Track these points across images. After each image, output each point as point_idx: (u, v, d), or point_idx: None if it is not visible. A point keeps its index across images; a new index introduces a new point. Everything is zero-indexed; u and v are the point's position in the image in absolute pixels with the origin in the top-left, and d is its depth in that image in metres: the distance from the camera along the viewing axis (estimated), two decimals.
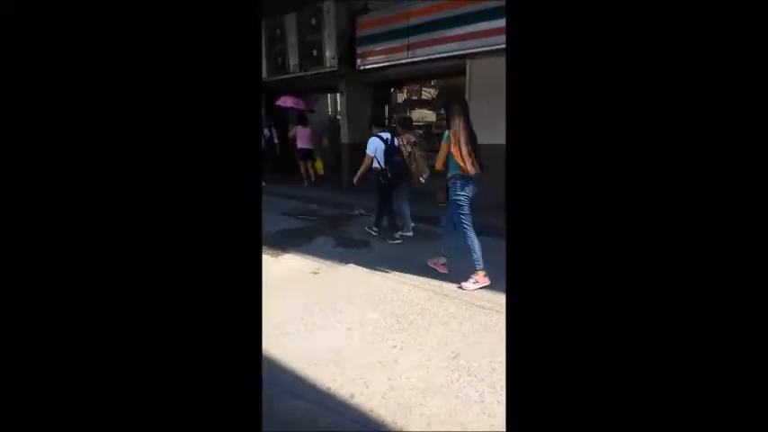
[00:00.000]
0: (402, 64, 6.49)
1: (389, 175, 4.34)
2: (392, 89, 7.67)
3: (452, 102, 3.14)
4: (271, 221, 5.33)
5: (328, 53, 7.13)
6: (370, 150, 4.44)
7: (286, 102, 8.27)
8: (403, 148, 4.34)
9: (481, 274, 3.18)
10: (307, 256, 4.02)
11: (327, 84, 7.89)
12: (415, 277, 3.50)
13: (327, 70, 7.22)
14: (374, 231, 4.71)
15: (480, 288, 3.15)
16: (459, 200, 3.14)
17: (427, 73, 6.67)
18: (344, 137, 7.85)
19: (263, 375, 2.01)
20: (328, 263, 3.85)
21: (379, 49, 6.71)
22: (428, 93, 7.45)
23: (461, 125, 3.05)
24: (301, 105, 8.41)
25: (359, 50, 6.95)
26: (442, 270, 3.48)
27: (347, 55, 7.10)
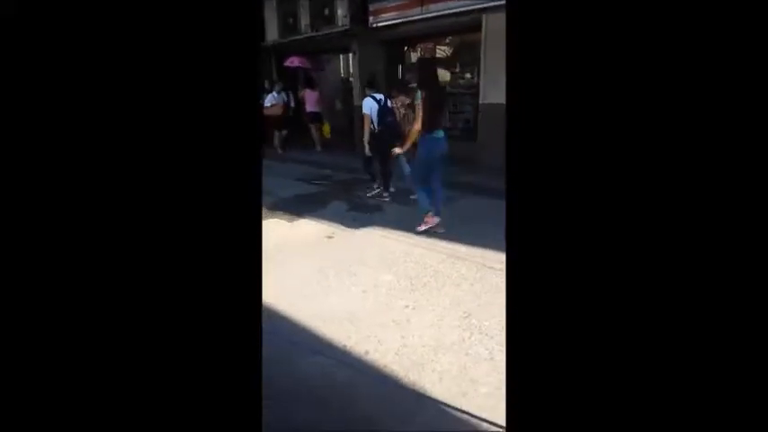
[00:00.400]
0: (415, 20, 6.26)
1: (384, 137, 4.43)
2: (405, 47, 7.45)
3: (424, 64, 3.45)
4: (285, 186, 5.38)
5: (340, 11, 6.93)
6: (365, 110, 4.55)
7: (293, 62, 8.12)
8: (397, 110, 4.47)
9: (429, 216, 3.50)
10: (321, 221, 4.08)
11: (340, 44, 7.70)
12: (428, 240, 3.55)
13: (339, 29, 7.05)
14: (386, 196, 4.74)
15: (430, 229, 3.53)
16: (419, 156, 3.43)
17: (442, 30, 6.44)
18: (357, 99, 7.74)
19: (284, 335, 2.18)
20: (342, 227, 3.90)
21: (392, 5, 6.47)
22: (443, 51, 7.21)
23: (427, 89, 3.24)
24: (308, 65, 8.26)
25: (371, 8, 6.72)
26: (431, 223, 3.54)
27: (360, 13, 6.87)
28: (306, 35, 7.70)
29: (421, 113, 3.21)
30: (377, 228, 3.84)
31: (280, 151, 7.74)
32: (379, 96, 4.61)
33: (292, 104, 8.53)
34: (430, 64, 3.53)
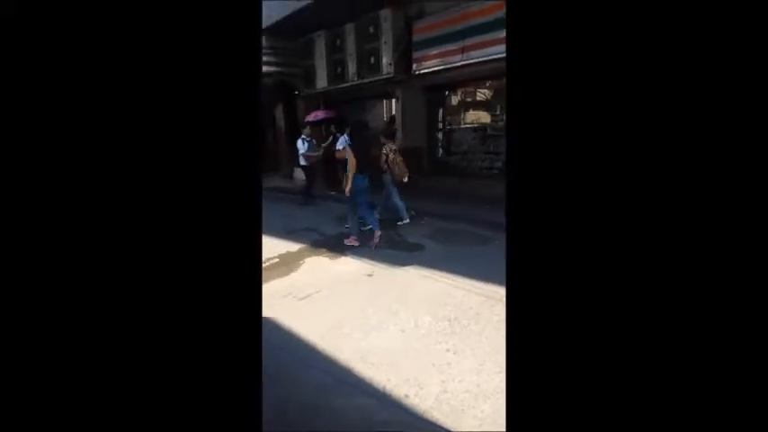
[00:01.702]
0: (457, 66, 6.43)
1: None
2: (446, 92, 7.63)
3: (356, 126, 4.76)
4: (329, 225, 5.48)
5: (385, 60, 7.24)
6: (340, 145, 5.26)
7: (317, 116, 8.37)
8: (384, 156, 5.09)
9: (352, 238, 4.54)
10: (362, 259, 4.09)
11: (384, 90, 8.01)
12: (469, 281, 3.46)
13: (384, 77, 7.33)
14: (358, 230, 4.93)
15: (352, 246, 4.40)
16: (355, 190, 4.36)
17: (482, 74, 6.57)
18: (399, 141, 7.92)
19: (321, 374, 2.16)
20: (382, 265, 3.88)
21: (435, 52, 6.70)
22: (483, 94, 7.33)
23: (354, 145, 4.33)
24: (332, 114, 8.51)
25: (415, 55, 6.98)
26: (378, 237, 4.47)
27: (403, 60, 7.16)
28: (352, 83, 8.08)
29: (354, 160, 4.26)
30: (417, 266, 3.79)
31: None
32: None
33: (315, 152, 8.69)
34: (360, 125, 4.92)
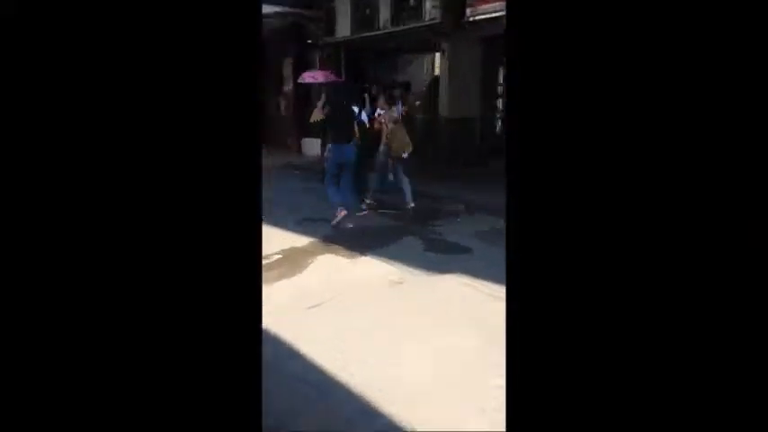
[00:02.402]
0: None
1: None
2: None
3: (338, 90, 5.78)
4: (347, 217, 5.43)
5: (429, 3, 7.08)
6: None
7: (316, 77, 8.37)
8: (383, 126, 5.75)
9: (341, 211, 5.07)
10: (390, 261, 4.10)
11: (425, 42, 7.85)
12: None
13: (427, 24, 7.18)
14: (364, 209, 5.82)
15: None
16: (330, 161, 5.28)
17: None
18: (444, 109, 7.76)
19: (332, 408, 2.13)
20: (416, 271, 3.89)
21: None
22: None
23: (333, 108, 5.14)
24: (332, 78, 8.50)
25: None
26: (342, 215, 5.00)
27: (453, 4, 6.99)
28: (384, 31, 7.94)
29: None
30: (459, 274, 3.77)
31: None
32: (356, 107, 5.78)
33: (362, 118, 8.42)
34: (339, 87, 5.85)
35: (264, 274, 3.55)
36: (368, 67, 9.28)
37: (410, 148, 5.74)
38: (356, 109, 5.80)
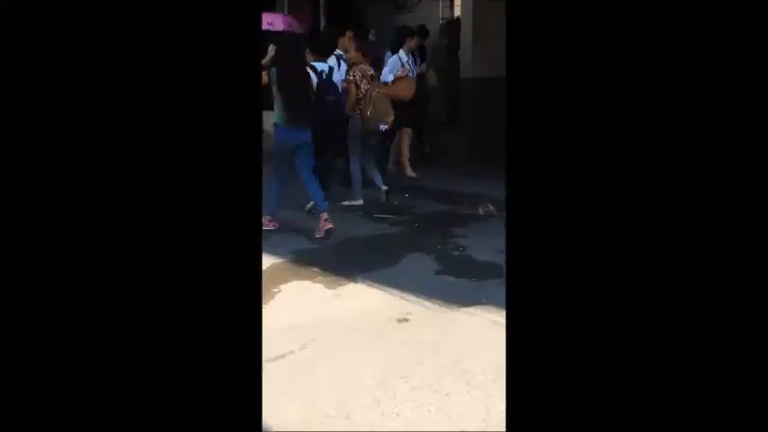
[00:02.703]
0: None
1: (322, 121, 5.03)
2: None
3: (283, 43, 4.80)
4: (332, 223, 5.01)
5: None
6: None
7: (273, 23, 7.69)
8: (352, 86, 5.19)
9: (267, 219, 4.62)
10: (389, 290, 3.63)
11: None
12: None
13: None
14: (312, 210, 5.13)
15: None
16: (276, 144, 4.62)
17: None
18: (466, 68, 6.98)
19: None
20: (427, 303, 3.49)
21: None
22: None
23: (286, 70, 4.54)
24: (296, 26, 7.99)
25: None
26: (325, 224, 4.53)
27: None
28: None
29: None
30: (488, 307, 3.35)
31: (413, 174, 6.61)
32: (324, 66, 5.23)
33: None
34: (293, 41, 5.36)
35: None
36: (358, 5, 8.58)
37: (391, 118, 5.30)
38: (327, 67, 5.32)
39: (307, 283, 3.77)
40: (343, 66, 5.51)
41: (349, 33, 5.74)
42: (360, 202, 5.42)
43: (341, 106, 5.27)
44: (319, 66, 5.23)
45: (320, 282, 3.77)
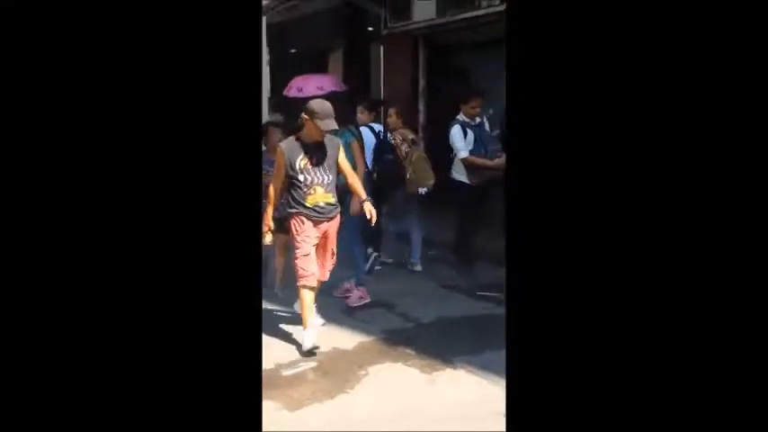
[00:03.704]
0: None
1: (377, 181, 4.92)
2: None
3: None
4: (423, 300, 4.60)
5: None
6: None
7: (323, 86, 6.99)
8: (398, 149, 5.02)
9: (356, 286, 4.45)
10: (494, 377, 3.10)
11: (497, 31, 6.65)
12: None
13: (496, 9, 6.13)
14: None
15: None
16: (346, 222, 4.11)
17: None
18: None
19: None
20: None
21: None
22: None
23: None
24: (341, 87, 7.47)
25: None
26: (359, 295, 4.34)
27: None
28: (487, 9, 6.66)
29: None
30: None
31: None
32: (378, 126, 5.11)
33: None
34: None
35: (288, 392, 3.15)
36: (460, 64, 7.81)
37: (431, 182, 5.02)
38: (381, 127, 5.22)
39: (399, 367, 3.45)
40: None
41: (360, 108, 5.35)
42: (419, 268, 5.19)
43: (397, 166, 5.06)
44: (376, 126, 5.12)
45: (415, 366, 3.42)
